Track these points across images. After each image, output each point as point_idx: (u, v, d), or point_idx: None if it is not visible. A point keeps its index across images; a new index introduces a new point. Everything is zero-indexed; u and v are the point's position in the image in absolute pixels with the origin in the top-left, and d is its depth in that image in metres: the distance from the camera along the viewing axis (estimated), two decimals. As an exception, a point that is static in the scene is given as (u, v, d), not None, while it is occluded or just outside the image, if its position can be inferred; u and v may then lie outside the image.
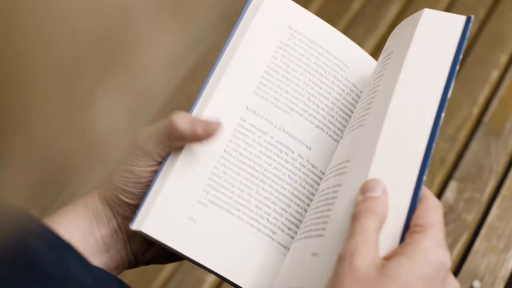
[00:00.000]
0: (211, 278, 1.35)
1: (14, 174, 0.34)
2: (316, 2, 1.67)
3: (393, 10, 1.64)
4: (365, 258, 0.59)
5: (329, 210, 0.67)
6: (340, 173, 0.69)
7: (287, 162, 0.75)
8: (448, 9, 1.62)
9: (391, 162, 0.65)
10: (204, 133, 0.72)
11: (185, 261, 1.48)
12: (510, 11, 1.55)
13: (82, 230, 0.74)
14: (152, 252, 0.77)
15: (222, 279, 0.73)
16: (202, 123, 0.72)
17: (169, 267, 1.38)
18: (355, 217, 0.62)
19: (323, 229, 0.66)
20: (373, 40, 1.57)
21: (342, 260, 0.59)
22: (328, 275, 0.61)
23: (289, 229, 0.73)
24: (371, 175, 0.65)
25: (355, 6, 1.66)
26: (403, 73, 0.70)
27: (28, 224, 0.49)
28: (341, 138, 0.77)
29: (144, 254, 0.77)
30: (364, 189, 0.64)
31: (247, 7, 0.80)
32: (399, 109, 0.68)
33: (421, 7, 1.68)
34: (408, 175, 0.64)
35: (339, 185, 0.68)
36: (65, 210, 0.76)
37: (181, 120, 0.72)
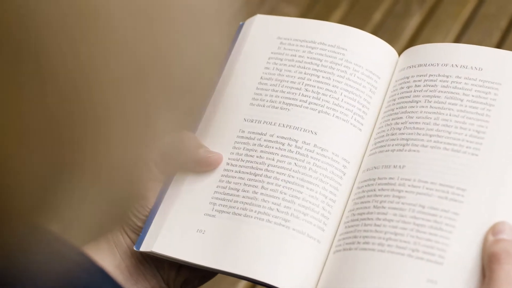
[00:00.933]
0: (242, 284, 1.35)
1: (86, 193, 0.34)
2: (337, 14, 1.68)
3: (414, 22, 1.64)
4: None
5: (446, 238, 0.66)
6: (453, 200, 0.68)
7: (291, 152, 0.75)
8: (469, 21, 1.62)
9: None
10: (205, 164, 0.75)
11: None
12: (532, 22, 1.55)
13: (106, 264, 0.74)
14: (183, 276, 0.77)
15: (244, 279, 0.72)
16: (206, 153, 0.75)
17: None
18: (495, 260, 0.63)
19: (441, 256, 0.66)
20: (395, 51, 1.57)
21: None
22: None
23: (305, 214, 0.72)
24: (499, 216, 0.66)
25: (376, 17, 1.66)
26: None
27: (65, 251, 0.49)
28: (352, 118, 0.76)
29: (175, 280, 0.77)
30: (496, 231, 0.65)
31: (238, 34, 0.82)
32: None
33: (442, 20, 1.67)
34: None
35: (457, 213, 0.67)
36: (87, 247, 0.76)
37: (189, 143, 0.75)
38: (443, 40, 1.58)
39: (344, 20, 1.66)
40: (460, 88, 0.73)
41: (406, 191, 0.69)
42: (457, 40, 1.60)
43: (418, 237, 0.67)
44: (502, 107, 0.71)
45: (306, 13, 1.64)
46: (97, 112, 0.31)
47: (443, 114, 0.72)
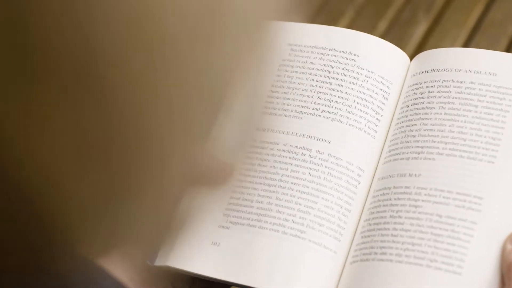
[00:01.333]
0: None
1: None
2: (342, 22, 1.67)
3: (420, 30, 1.63)
4: None
5: (464, 248, 0.66)
6: (471, 208, 0.67)
7: (305, 162, 0.74)
8: (476, 27, 1.61)
9: None
10: (219, 178, 0.74)
11: None
12: (539, 28, 1.54)
13: (120, 277, 0.74)
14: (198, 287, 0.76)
15: None
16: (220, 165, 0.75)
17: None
18: (510, 268, 0.63)
19: (460, 266, 0.65)
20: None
21: None
22: None
23: (320, 225, 0.72)
24: None
25: (382, 26, 1.65)
26: None
27: (84, 269, 0.49)
28: (366, 126, 0.75)
29: None
30: None
31: None
32: None
33: (448, 27, 1.66)
34: None
35: (475, 222, 0.66)
36: (101, 261, 0.75)
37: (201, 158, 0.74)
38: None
39: (349, 28, 1.65)
40: (474, 94, 0.72)
41: (422, 200, 0.69)
42: (465, 47, 1.59)
43: (436, 247, 0.66)
44: None
45: (311, 22, 1.64)
46: (153, 137, 0.32)
47: (458, 121, 0.71)
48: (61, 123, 0.29)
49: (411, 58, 0.81)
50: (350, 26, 1.67)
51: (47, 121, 0.29)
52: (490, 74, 0.73)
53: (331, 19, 1.67)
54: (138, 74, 0.29)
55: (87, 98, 0.29)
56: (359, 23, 1.66)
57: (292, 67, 0.79)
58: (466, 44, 1.59)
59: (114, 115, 0.30)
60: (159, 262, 0.73)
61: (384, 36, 1.63)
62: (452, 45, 1.58)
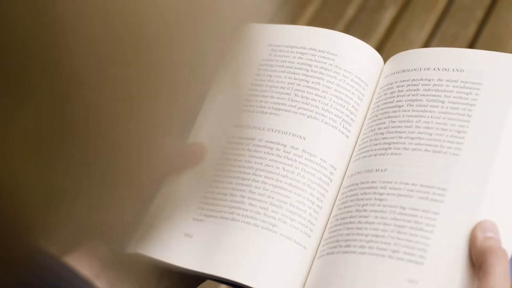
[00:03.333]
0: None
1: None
2: (310, 9, 1.66)
3: (388, 15, 1.63)
4: None
5: (426, 238, 0.67)
6: (434, 200, 0.68)
7: (279, 156, 0.75)
8: (445, 13, 1.60)
9: (501, 205, 0.67)
10: (191, 154, 0.75)
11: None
12: (507, 12, 1.54)
13: (86, 274, 0.73)
14: (164, 286, 0.76)
15: (229, 283, 0.72)
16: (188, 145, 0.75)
17: None
18: (493, 255, 0.64)
19: (422, 256, 0.66)
20: (370, 45, 1.56)
21: None
22: None
23: (292, 219, 0.72)
24: (482, 215, 0.66)
25: (350, 12, 1.65)
26: (510, 122, 0.70)
27: (44, 261, 0.48)
28: (341, 125, 0.77)
29: None
30: (484, 229, 0.66)
31: None
32: (510, 153, 0.69)
33: (417, 12, 1.65)
34: None
35: (437, 213, 0.67)
36: (67, 258, 0.75)
37: (168, 145, 0.74)
38: (418, 33, 1.57)
39: (317, 16, 1.64)
40: (441, 91, 0.74)
41: (387, 194, 0.70)
42: (433, 32, 1.59)
43: (399, 238, 0.68)
44: (483, 106, 0.72)
45: (279, 10, 1.63)
46: (114, 128, 0.32)
47: (425, 116, 0.73)
48: (20, 120, 0.29)
49: (379, 44, 0.82)
50: (317, 13, 1.66)
51: (6, 120, 0.29)
52: (458, 71, 0.75)
53: (299, 7, 1.67)
54: (101, 71, 0.30)
55: (48, 96, 0.29)
56: (326, 11, 1.66)
57: (272, 66, 0.80)
58: (435, 29, 1.59)
59: (75, 110, 0.30)
60: (130, 249, 0.73)
61: (351, 23, 1.62)
62: (421, 30, 1.57)
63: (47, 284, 0.46)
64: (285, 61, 0.80)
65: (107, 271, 0.75)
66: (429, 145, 0.71)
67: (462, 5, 1.60)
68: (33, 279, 0.45)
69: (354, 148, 0.77)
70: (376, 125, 0.75)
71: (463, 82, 0.74)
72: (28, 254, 0.38)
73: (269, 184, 0.74)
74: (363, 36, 1.58)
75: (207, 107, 0.79)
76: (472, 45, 1.51)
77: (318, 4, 1.69)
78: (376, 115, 0.76)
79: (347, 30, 1.59)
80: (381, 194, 0.70)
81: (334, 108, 0.77)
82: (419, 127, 0.72)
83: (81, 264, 0.74)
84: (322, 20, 1.63)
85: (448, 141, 0.71)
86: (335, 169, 0.75)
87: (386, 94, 0.77)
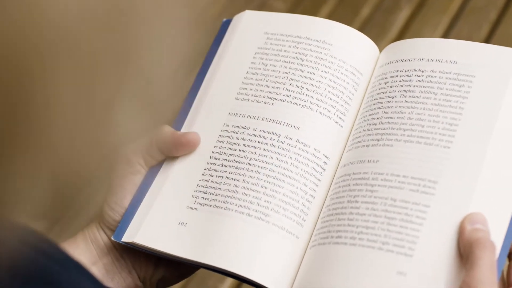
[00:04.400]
0: (225, 286, 1.34)
1: (27, 181, 0.34)
2: (325, 9, 1.67)
3: (403, 16, 1.63)
4: None
5: (416, 230, 0.67)
6: (425, 192, 0.68)
7: (273, 146, 0.75)
8: (459, 13, 1.61)
9: (491, 198, 0.67)
10: (185, 142, 0.76)
11: (197, 272, 1.47)
12: (521, 14, 1.55)
13: (83, 261, 0.74)
14: (159, 274, 0.77)
15: (222, 272, 0.72)
16: (182, 133, 0.76)
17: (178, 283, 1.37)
18: (481, 247, 0.64)
19: (411, 248, 0.66)
20: (383, 45, 1.56)
21: None
22: None
23: (285, 209, 0.73)
24: (472, 208, 0.67)
25: (365, 12, 1.66)
26: (502, 116, 0.70)
27: (39, 244, 0.49)
28: (335, 115, 0.77)
29: (152, 277, 0.77)
30: (473, 221, 0.66)
31: (223, 31, 0.84)
32: (501, 146, 0.69)
33: (431, 13, 1.66)
34: (505, 212, 0.67)
35: (427, 206, 0.68)
36: (65, 243, 0.76)
37: (165, 131, 0.76)
38: (431, 34, 1.57)
39: (332, 15, 1.65)
40: (434, 82, 0.74)
41: (378, 185, 0.70)
42: (446, 33, 1.59)
43: (389, 230, 0.68)
44: (475, 99, 0.72)
45: (294, 8, 1.64)
46: (38, 103, 0.32)
47: (417, 108, 0.73)
48: None
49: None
50: (333, 12, 1.67)
51: None
52: (451, 62, 0.74)
53: (314, 6, 1.68)
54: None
55: None
56: (341, 10, 1.67)
57: (267, 54, 0.80)
58: (448, 30, 1.59)
59: None
60: (126, 238, 0.74)
61: (366, 22, 1.63)
62: (434, 31, 1.58)
63: (41, 267, 0.47)
64: (281, 50, 0.80)
65: (104, 259, 0.75)
66: (421, 137, 0.71)
67: (476, 6, 1.61)
68: (26, 262, 0.46)
69: (348, 138, 0.76)
70: (370, 115, 0.75)
71: (456, 74, 0.74)
72: (18, 236, 0.39)
73: (263, 174, 0.74)
74: (377, 35, 1.59)
75: (202, 95, 0.80)
76: (484, 46, 1.52)
77: (333, 3, 1.69)
78: (370, 105, 0.76)
79: (362, 29, 1.60)
80: (372, 185, 0.70)
81: (328, 98, 0.77)
82: (412, 119, 0.72)
83: (78, 250, 0.75)
84: (337, 19, 1.64)
85: (440, 134, 0.71)
86: (329, 159, 0.75)
87: (380, 84, 0.77)
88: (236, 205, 0.73)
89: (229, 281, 1.37)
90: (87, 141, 0.34)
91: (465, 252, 0.65)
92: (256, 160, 0.75)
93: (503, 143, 0.70)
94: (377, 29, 1.61)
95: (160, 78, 0.36)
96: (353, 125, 0.77)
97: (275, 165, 0.74)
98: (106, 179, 0.77)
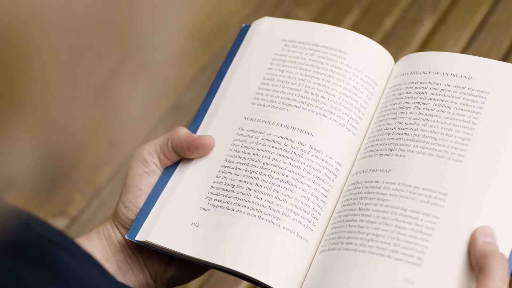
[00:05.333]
0: (239, 291, 1.35)
1: (18, 151, 0.34)
2: (349, 19, 1.68)
3: (425, 28, 1.64)
4: None
5: (425, 240, 0.68)
6: (435, 204, 0.70)
7: (287, 152, 0.76)
8: (480, 28, 1.61)
9: (500, 213, 0.68)
10: (200, 145, 0.77)
11: (212, 275, 1.48)
12: (542, 30, 1.55)
13: (97, 257, 0.76)
14: (171, 272, 0.78)
15: (232, 273, 0.73)
16: (197, 136, 0.78)
17: (194, 283, 1.38)
18: (494, 258, 0.65)
19: (419, 258, 0.68)
20: (404, 57, 1.58)
21: None
22: None
23: (296, 214, 0.74)
24: (480, 222, 0.68)
25: (388, 23, 1.67)
26: None
27: (48, 234, 0.50)
28: (348, 123, 0.78)
29: (163, 276, 0.78)
30: (484, 233, 0.67)
31: (241, 36, 0.85)
32: (511, 162, 0.70)
33: (453, 26, 1.66)
34: (511, 228, 0.68)
35: (437, 217, 0.69)
36: (80, 239, 0.78)
37: (181, 132, 0.77)
38: (453, 47, 1.58)
39: (355, 26, 1.66)
40: (449, 96, 0.75)
41: (390, 194, 0.71)
42: (467, 46, 1.60)
43: (399, 238, 0.69)
44: (488, 115, 0.73)
45: (318, 18, 1.65)
46: (33, 73, 0.32)
47: (431, 120, 0.74)
48: None
49: (414, 56, 0.83)
50: (356, 23, 1.68)
51: None
52: (466, 78, 0.76)
53: (338, 16, 1.69)
54: None
55: None
56: (365, 21, 1.68)
57: (284, 61, 0.81)
58: (469, 43, 1.60)
59: None
60: (140, 237, 0.75)
61: (389, 34, 1.64)
62: (455, 44, 1.59)
63: (46, 252, 0.48)
64: (297, 57, 0.81)
65: (117, 255, 0.77)
66: (434, 149, 0.72)
67: (498, 21, 1.61)
68: (31, 247, 0.47)
69: (361, 146, 0.78)
70: (383, 125, 0.76)
71: (470, 89, 0.75)
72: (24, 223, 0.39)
73: (276, 178, 0.75)
74: (399, 47, 1.60)
75: (218, 98, 0.82)
76: (504, 59, 1.52)
77: (357, 14, 1.71)
78: (384, 115, 0.77)
79: (384, 41, 1.61)
80: (384, 194, 0.71)
81: (342, 106, 0.78)
82: (425, 131, 0.73)
83: (93, 246, 0.77)
84: (359, 31, 1.65)
85: (452, 147, 0.72)
86: (341, 166, 0.76)
87: (394, 94, 0.78)
88: (248, 208, 0.74)
89: (244, 284, 1.39)
90: (82, 113, 0.35)
91: (478, 263, 0.66)
92: (270, 164, 0.76)
93: None
94: (399, 40, 1.62)
95: (161, 54, 0.37)
96: (365, 134, 0.78)
97: (288, 170, 0.75)
98: (122, 178, 0.78)
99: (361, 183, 0.74)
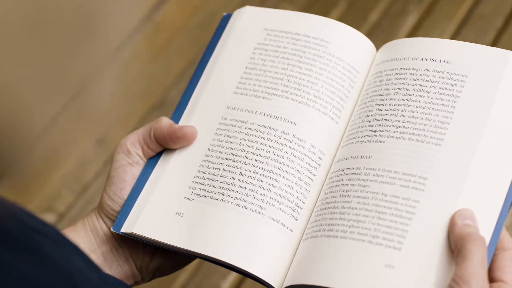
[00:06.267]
0: (227, 284, 1.35)
1: None
2: (334, 13, 1.69)
3: (410, 21, 1.65)
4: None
5: (405, 224, 0.68)
6: (415, 188, 0.70)
7: (270, 141, 0.76)
8: (465, 20, 1.62)
9: (480, 195, 0.69)
10: (182, 136, 0.77)
11: (200, 269, 1.49)
12: (527, 22, 1.56)
13: (82, 248, 0.76)
14: (156, 263, 0.78)
15: (217, 262, 0.73)
16: (179, 127, 0.78)
17: (183, 276, 1.39)
18: (473, 241, 0.65)
19: (400, 242, 0.68)
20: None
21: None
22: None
23: (280, 203, 0.74)
24: (461, 204, 0.68)
25: (373, 17, 1.67)
26: (493, 116, 0.72)
27: (32, 223, 0.50)
28: (331, 111, 0.78)
29: (148, 266, 0.78)
30: (463, 216, 0.67)
31: (223, 25, 0.85)
32: (491, 145, 0.71)
33: (438, 19, 1.66)
34: (493, 210, 0.68)
35: (417, 201, 0.69)
36: (65, 231, 0.78)
37: (163, 122, 0.77)
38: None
39: (341, 20, 1.65)
40: (428, 81, 0.75)
41: (370, 180, 0.72)
42: (452, 39, 1.59)
43: (379, 224, 0.69)
44: (467, 98, 0.73)
45: (304, 12, 1.65)
46: None
47: (410, 106, 0.74)
48: None
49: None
50: (342, 17, 1.68)
51: None
52: (445, 62, 0.76)
53: (324, 10, 1.69)
54: None
55: None
56: (351, 15, 1.68)
57: (266, 50, 0.82)
58: (454, 35, 1.60)
59: None
60: (125, 229, 0.75)
61: (374, 27, 1.65)
62: (440, 36, 1.59)
63: (30, 239, 0.48)
64: (280, 46, 0.81)
65: (103, 247, 0.77)
66: (413, 134, 0.73)
67: (483, 13, 1.62)
68: (15, 234, 0.47)
69: (343, 134, 0.78)
70: (364, 112, 0.77)
71: (449, 73, 0.75)
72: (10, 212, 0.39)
73: (259, 167, 0.75)
74: (385, 40, 1.59)
75: (201, 88, 0.82)
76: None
77: (343, 8, 1.71)
78: (365, 103, 0.78)
79: (370, 34, 1.62)
80: (364, 180, 0.72)
81: (325, 94, 0.78)
82: (404, 116, 0.74)
83: (78, 238, 0.77)
84: (346, 23, 1.65)
85: (431, 131, 0.72)
86: (324, 154, 0.77)
87: (375, 82, 0.79)
88: (232, 197, 0.74)
89: (232, 277, 1.39)
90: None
91: (456, 246, 0.66)
92: (253, 153, 0.76)
93: (493, 142, 0.71)
94: (385, 34, 1.62)
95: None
96: (348, 122, 0.78)
97: (271, 159, 0.76)
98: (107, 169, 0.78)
99: (343, 170, 0.74)
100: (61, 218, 1.49)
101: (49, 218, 1.46)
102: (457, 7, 1.64)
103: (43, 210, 1.49)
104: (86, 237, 0.77)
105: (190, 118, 0.80)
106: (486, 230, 0.67)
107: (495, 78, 0.74)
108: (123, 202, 0.77)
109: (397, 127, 0.74)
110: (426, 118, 0.73)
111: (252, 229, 0.73)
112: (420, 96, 0.75)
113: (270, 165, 0.75)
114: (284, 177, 0.75)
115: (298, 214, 0.74)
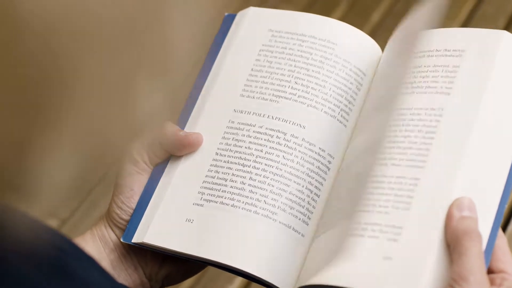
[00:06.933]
0: (233, 287, 1.35)
1: (57, 164, 0.34)
2: (336, 13, 1.68)
3: (413, 21, 1.64)
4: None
5: (405, 211, 0.68)
6: (412, 169, 0.70)
7: (280, 144, 0.76)
8: (468, 20, 1.62)
9: (476, 184, 0.68)
10: (187, 144, 0.76)
11: (205, 272, 1.48)
12: (530, 21, 1.56)
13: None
14: (165, 271, 0.78)
15: (228, 269, 0.73)
16: (185, 134, 0.77)
17: (188, 280, 1.38)
18: (467, 237, 0.64)
19: (398, 233, 0.67)
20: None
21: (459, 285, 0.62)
22: (401, 280, 0.65)
23: (291, 208, 0.73)
24: (455, 195, 0.67)
25: (375, 17, 1.67)
26: (484, 104, 0.71)
27: (52, 239, 0.50)
28: (339, 114, 0.77)
29: (158, 274, 0.78)
30: (461, 206, 0.66)
31: (226, 26, 0.84)
32: (486, 130, 0.70)
33: (441, 19, 1.66)
34: (493, 198, 0.68)
35: (411, 196, 0.69)
36: (74, 240, 0.77)
37: (169, 129, 0.77)
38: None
39: (343, 20, 1.65)
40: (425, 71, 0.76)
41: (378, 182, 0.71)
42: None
43: (378, 217, 0.69)
44: (461, 83, 0.73)
45: (305, 12, 1.65)
46: (70, 77, 0.32)
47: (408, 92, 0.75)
48: None
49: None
50: (343, 16, 1.68)
51: None
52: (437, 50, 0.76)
53: (325, 11, 1.69)
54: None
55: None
56: (352, 15, 1.68)
57: (272, 52, 0.81)
58: (458, 36, 1.60)
59: (25, 50, 0.31)
60: (136, 239, 0.75)
61: (377, 28, 1.64)
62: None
63: (57, 260, 0.48)
64: (285, 48, 0.80)
65: (111, 255, 0.76)
66: (411, 119, 0.72)
67: (485, 13, 1.62)
68: (43, 256, 0.46)
69: (351, 137, 0.77)
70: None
71: (444, 56, 0.75)
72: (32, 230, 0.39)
73: (269, 172, 0.74)
74: (387, 41, 1.60)
75: (206, 91, 0.81)
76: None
77: (344, 8, 1.70)
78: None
79: (372, 34, 1.61)
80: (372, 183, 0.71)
81: (333, 98, 0.78)
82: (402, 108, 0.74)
83: (87, 247, 0.76)
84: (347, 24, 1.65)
85: (425, 119, 0.72)
86: (333, 158, 0.76)
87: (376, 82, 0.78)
88: (243, 202, 0.74)
89: (238, 281, 1.38)
90: (110, 122, 0.35)
91: (452, 241, 0.65)
92: (263, 157, 0.75)
93: (489, 128, 0.70)
94: (387, 34, 1.61)
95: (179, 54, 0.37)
96: (355, 125, 0.78)
97: (281, 163, 0.75)
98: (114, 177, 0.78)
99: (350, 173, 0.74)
100: (64, 223, 1.48)
101: (52, 223, 1.46)
102: (460, 7, 1.64)
103: (46, 215, 1.49)
104: (95, 247, 0.76)
105: (197, 122, 0.79)
106: (485, 219, 0.67)
107: (489, 60, 0.73)
108: (131, 211, 0.76)
109: (395, 121, 0.74)
110: (422, 105, 0.73)
111: (264, 235, 0.72)
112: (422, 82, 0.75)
113: (281, 170, 0.75)
114: (295, 181, 0.74)
115: (309, 219, 0.74)
